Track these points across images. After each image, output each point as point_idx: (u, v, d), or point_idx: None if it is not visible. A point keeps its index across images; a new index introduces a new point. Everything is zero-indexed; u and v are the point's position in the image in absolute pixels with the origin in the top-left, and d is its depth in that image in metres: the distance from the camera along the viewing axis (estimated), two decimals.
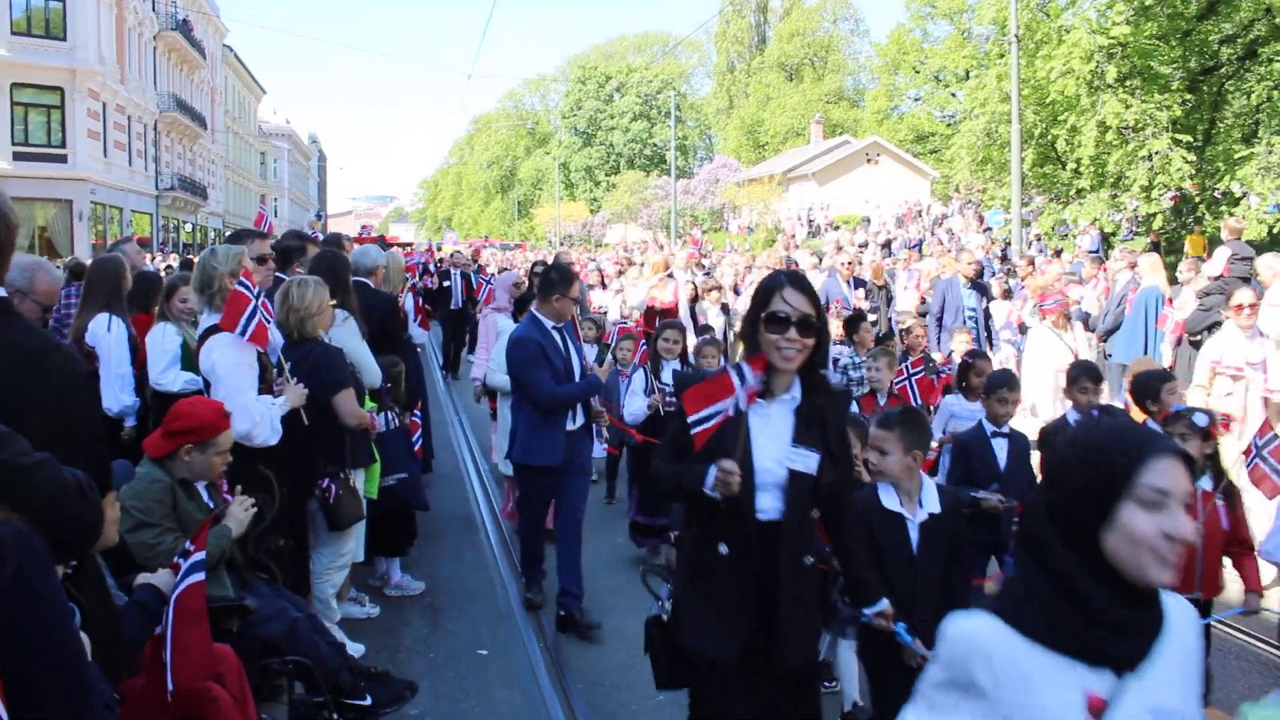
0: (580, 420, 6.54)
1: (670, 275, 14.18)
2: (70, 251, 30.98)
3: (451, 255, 21.99)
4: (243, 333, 5.25)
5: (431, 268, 21.34)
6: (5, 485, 1.98)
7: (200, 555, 3.53)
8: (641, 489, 7.74)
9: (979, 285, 12.75)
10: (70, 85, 36.93)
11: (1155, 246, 20.76)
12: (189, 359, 6.14)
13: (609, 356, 8.98)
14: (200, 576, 3.47)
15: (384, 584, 7.06)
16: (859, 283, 13.96)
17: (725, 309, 14.31)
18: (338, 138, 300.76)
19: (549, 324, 6.36)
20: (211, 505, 4.73)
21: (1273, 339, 9.14)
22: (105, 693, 1.86)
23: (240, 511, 4.61)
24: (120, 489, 4.03)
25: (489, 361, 8.76)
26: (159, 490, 4.46)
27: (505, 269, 21.15)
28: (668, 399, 7.70)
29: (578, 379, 6.44)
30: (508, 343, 6.52)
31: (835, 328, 9.82)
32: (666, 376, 7.81)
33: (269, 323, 5.40)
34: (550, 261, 12.58)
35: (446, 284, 18.79)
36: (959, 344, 9.88)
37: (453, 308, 18.52)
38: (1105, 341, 12.43)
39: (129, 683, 3.47)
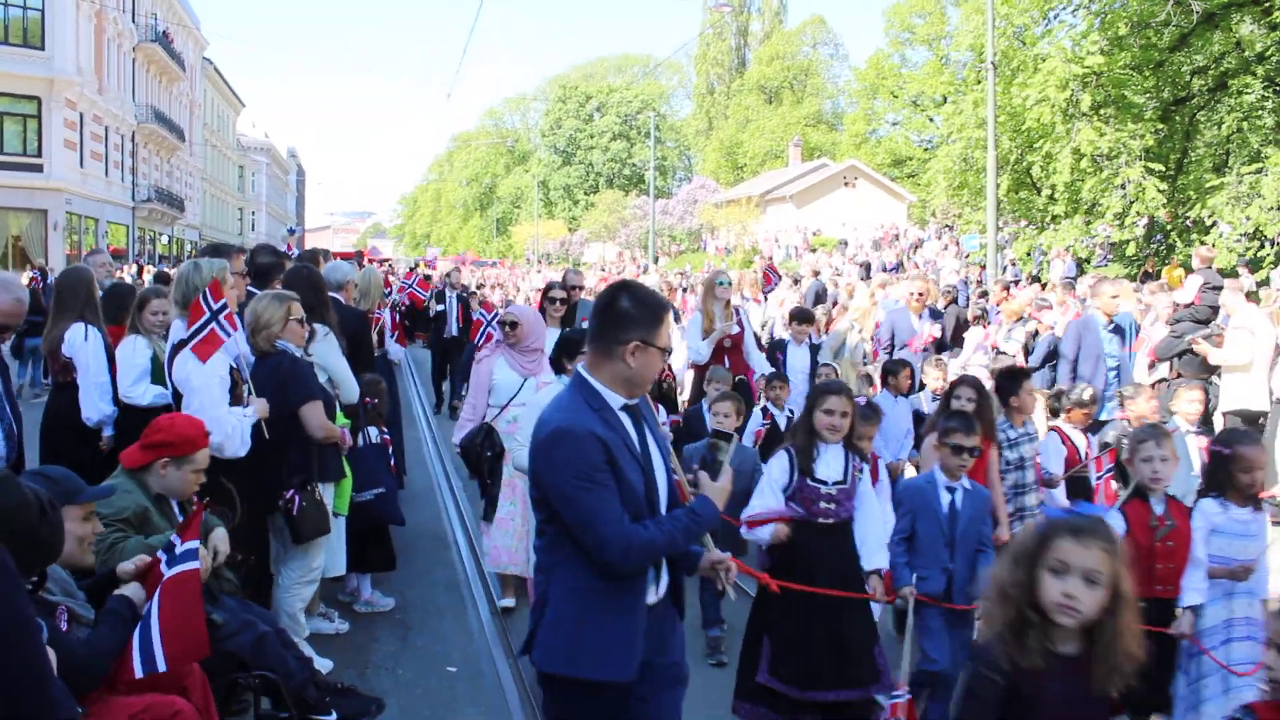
0: (665, 585, 3.59)
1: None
2: (45, 262, 30.77)
3: (447, 275, 18.25)
4: (188, 342, 5.32)
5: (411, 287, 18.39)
6: None
7: (194, 543, 3.55)
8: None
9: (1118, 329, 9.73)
10: (47, 95, 36.77)
11: (1147, 276, 20.89)
12: (159, 372, 6.13)
13: (702, 452, 6.15)
14: (195, 564, 3.50)
15: (354, 600, 7.04)
16: (934, 314, 11.80)
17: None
18: (317, 152, 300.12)
19: (613, 398, 3.42)
20: (182, 521, 4.72)
21: (1235, 364, 9.44)
22: (68, 706, 1.86)
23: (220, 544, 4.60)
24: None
25: (519, 434, 6.04)
26: (130, 502, 4.44)
27: (480, 287, 19.27)
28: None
29: (663, 498, 3.52)
30: (543, 436, 3.36)
31: (932, 377, 8.86)
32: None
33: (227, 336, 5.41)
34: (565, 279, 10.51)
35: (440, 308, 15.99)
36: (1139, 409, 7.20)
37: (447, 336, 15.83)
38: None
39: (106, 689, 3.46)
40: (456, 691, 5.77)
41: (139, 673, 3.37)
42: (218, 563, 4.52)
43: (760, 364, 9.76)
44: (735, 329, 9.51)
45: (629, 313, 3.42)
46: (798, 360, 10.60)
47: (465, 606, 7.12)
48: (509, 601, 6.97)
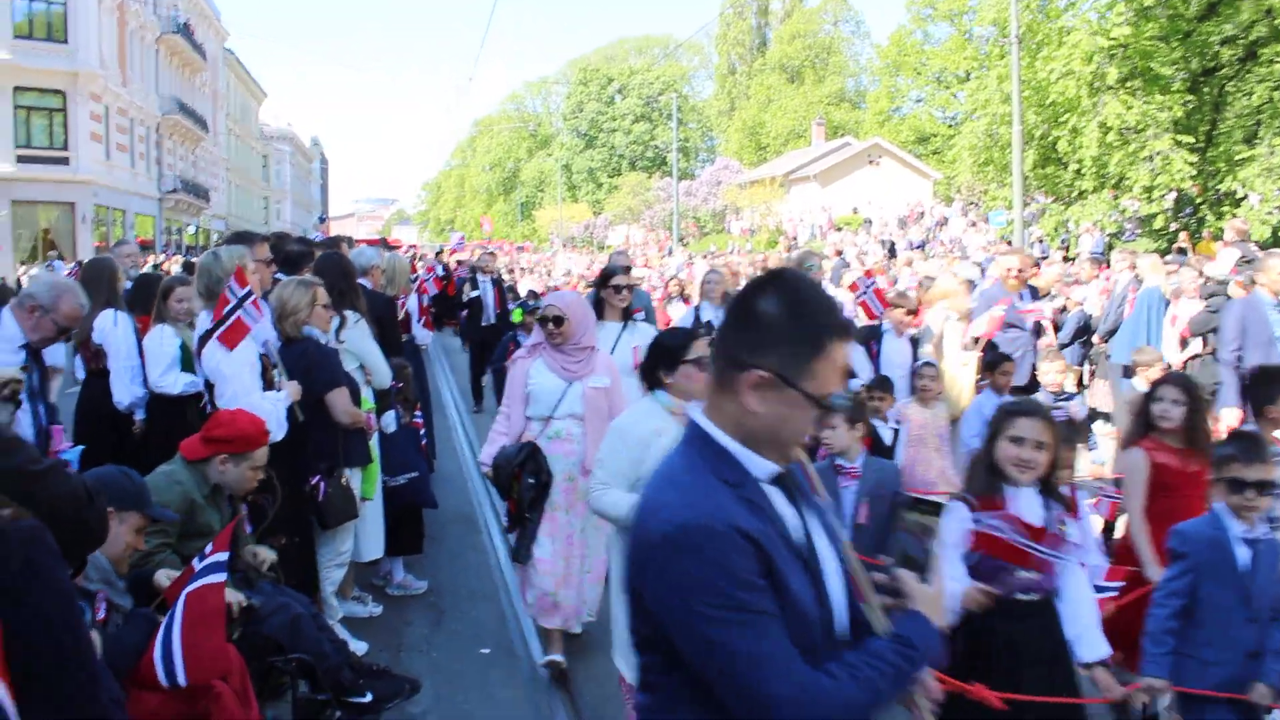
0: None
1: None
2: (73, 254, 31.04)
3: (479, 258, 16.45)
4: (214, 331, 5.35)
5: (440, 272, 17.93)
6: (15, 489, 2.00)
7: (223, 556, 3.55)
8: None
9: None
10: (72, 88, 37.04)
11: (1181, 251, 20.47)
12: (188, 360, 6.18)
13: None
14: (221, 577, 3.50)
15: (387, 583, 7.08)
16: (1034, 292, 9.87)
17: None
18: (339, 140, 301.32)
19: (758, 464, 2.17)
20: (231, 513, 4.79)
21: None
22: (112, 688, 1.88)
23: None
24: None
25: (599, 469, 4.60)
26: (176, 494, 4.49)
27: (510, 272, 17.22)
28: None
29: (841, 615, 2.23)
30: (653, 534, 2.07)
31: (1049, 372, 7.90)
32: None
33: (254, 323, 5.44)
34: (619, 261, 9.29)
35: (475, 294, 14.64)
36: None
37: (484, 324, 14.49)
38: (1106, 342, 12.42)
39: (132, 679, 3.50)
40: (490, 675, 5.80)
41: (163, 682, 3.39)
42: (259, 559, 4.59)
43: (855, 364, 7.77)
44: None
45: (768, 320, 2.12)
46: (896, 355, 8.36)
47: (497, 590, 7.14)
48: (558, 656, 5.64)
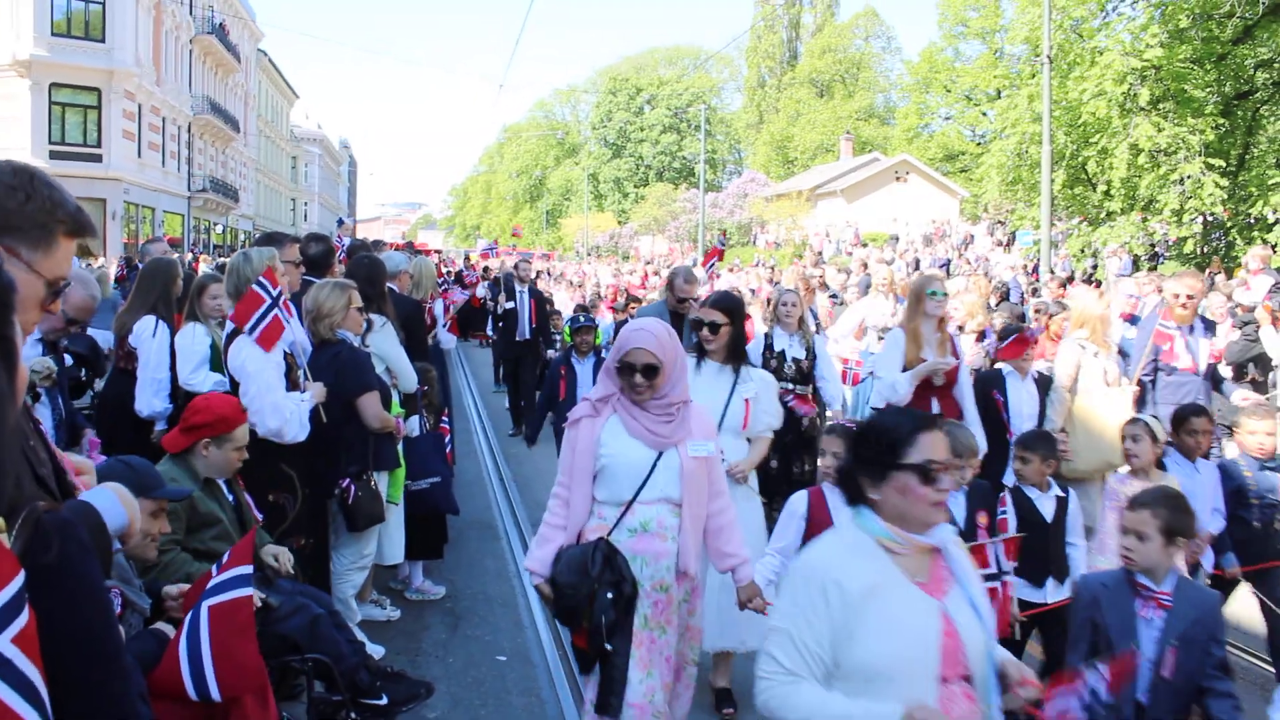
0: None
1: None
2: (103, 251, 31.31)
3: (516, 266, 14.64)
4: (251, 331, 5.35)
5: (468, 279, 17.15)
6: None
7: (248, 569, 3.53)
8: None
9: None
10: (107, 86, 37.46)
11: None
12: (217, 359, 6.20)
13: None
14: (249, 590, 3.48)
15: (405, 587, 7.10)
16: (1206, 325, 8.59)
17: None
18: (368, 144, 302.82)
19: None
20: (233, 500, 4.80)
21: None
22: (140, 682, 1.90)
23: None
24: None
25: (777, 646, 2.66)
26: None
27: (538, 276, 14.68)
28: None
29: None
30: None
31: (1253, 432, 5.67)
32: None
33: (287, 323, 5.47)
34: (682, 279, 7.78)
35: (510, 305, 13.42)
36: None
37: (519, 338, 13.35)
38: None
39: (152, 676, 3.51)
40: (506, 681, 5.80)
41: (193, 696, 3.40)
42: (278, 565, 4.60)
43: (974, 412, 6.62)
44: (952, 362, 6.63)
45: None
46: (1022, 403, 6.94)
47: (515, 596, 7.15)
48: None
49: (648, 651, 3.93)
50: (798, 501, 4.78)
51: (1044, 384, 7.06)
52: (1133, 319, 9.49)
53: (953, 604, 2.60)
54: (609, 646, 3.82)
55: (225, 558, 3.62)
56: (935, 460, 2.55)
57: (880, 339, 10.44)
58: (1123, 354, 7.71)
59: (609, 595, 3.79)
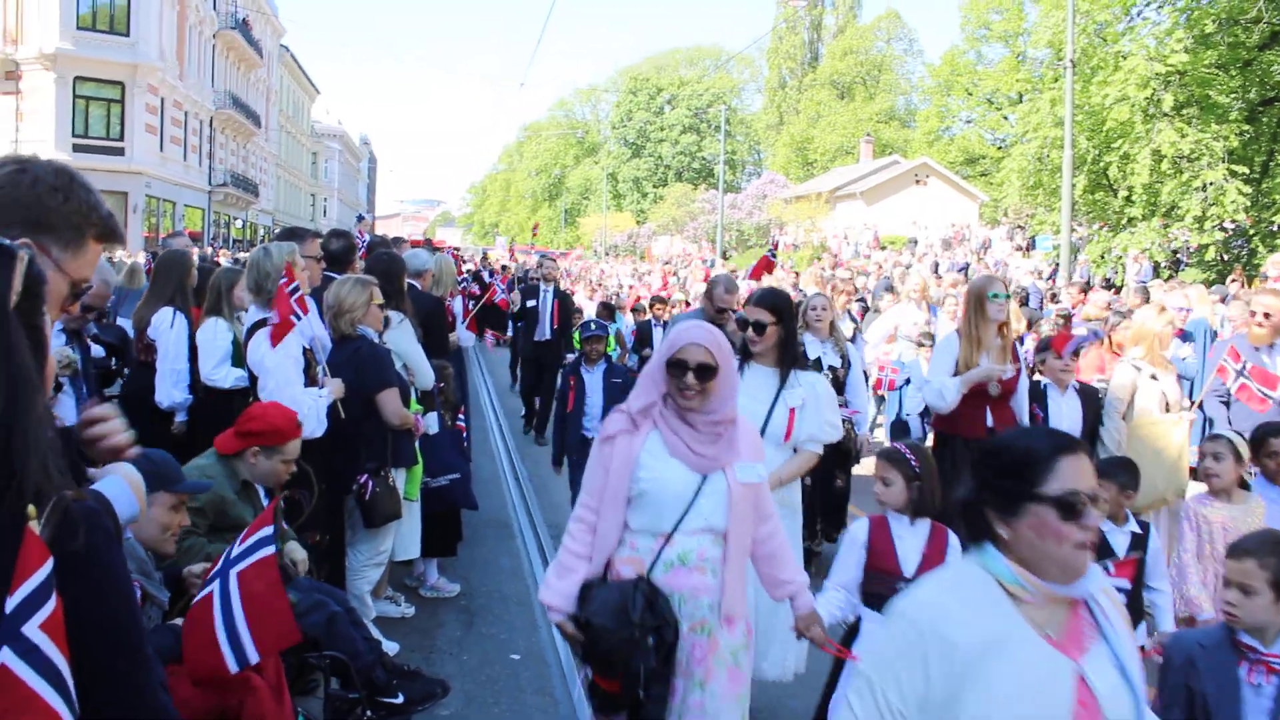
0: None
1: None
2: (124, 244, 31.50)
3: (540, 265, 14.50)
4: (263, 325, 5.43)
5: (486, 278, 16.81)
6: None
7: (268, 530, 3.54)
8: None
9: None
10: (131, 80, 37.73)
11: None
12: (239, 355, 6.22)
13: None
14: (271, 550, 3.49)
15: (420, 584, 7.11)
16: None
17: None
18: (388, 140, 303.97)
19: None
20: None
21: None
22: (160, 672, 1.91)
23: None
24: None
25: (860, 697, 2.23)
26: (210, 490, 4.52)
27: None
28: None
29: None
30: None
31: None
32: None
33: (298, 319, 5.48)
34: (721, 287, 7.37)
35: (532, 303, 13.08)
36: None
37: (538, 339, 13.01)
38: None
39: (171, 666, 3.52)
40: (520, 680, 5.80)
41: (233, 668, 3.40)
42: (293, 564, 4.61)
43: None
44: (1008, 369, 6.20)
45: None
46: (1063, 418, 6.55)
47: (530, 595, 7.13)
48: None
49: (685, 706, 3.50)
50: (858, 529, 4.30)
51: (1087, 396, 6.65)
52: (1184, 335, 9.13)
53: (1092, 665, 2.11)
54: (647, 698, 3.39)
55: (245, 530, 3.66)
56: (1079, 490, 2.06)
57: (919, 345, 10.33)
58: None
59: (651, 640, 3.34)
